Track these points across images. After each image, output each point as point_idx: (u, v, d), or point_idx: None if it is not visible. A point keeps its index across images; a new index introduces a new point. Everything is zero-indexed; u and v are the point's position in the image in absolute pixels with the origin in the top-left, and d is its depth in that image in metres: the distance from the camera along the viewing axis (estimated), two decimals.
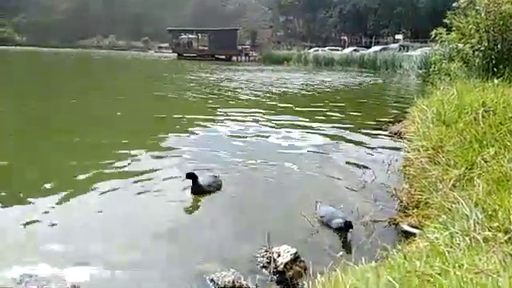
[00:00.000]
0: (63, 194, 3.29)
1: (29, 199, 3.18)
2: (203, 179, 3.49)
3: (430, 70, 10.48)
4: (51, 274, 2.06)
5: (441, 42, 8.57)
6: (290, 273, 2.29)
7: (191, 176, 3.39)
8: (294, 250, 2.38)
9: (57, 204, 3.10)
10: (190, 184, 3.42)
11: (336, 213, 2.91)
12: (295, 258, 2.34)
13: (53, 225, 2.76)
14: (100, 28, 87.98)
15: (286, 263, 2.31)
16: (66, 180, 3.67)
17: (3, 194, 3.31)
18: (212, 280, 2.15)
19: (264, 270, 2.34)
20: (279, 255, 2.37)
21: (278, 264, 2.32)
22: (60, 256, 2.37)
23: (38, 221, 2.81)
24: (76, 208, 3.09)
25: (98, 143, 5.16)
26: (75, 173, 3.81)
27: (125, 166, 4.12)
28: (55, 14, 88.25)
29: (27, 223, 2.76)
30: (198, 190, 3.38)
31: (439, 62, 9.05)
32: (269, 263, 2.37)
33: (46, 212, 2.95)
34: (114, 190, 3.45)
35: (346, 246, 2.63)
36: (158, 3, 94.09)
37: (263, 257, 2.43)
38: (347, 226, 2.68)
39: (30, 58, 34.25)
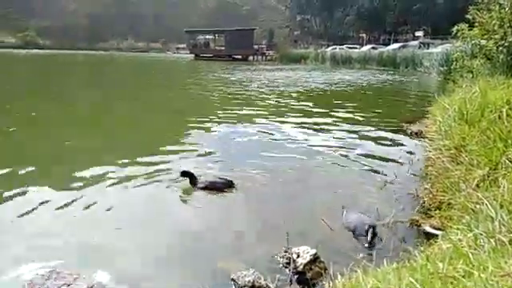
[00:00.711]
0: (88, 187, 3.39)
1: (70, 190, 3.28)
2: (206, 179, 3.65)
3: (452, 67, 10.25)
4: (77, 271, 2.13)
5: (462, 38, 8.36)
6: (310, 273, 2.29)
7: (186, 174, 3.60)
8: (313, 251, 2.38)
9: (79, 199, 3.19)
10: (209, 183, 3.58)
11: (364, 219, 2.84)
12: (315, 259, 2.35)
13: (79, 222, 2.85)
14: (120, 30, 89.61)
15: (306, 264, 2.31)
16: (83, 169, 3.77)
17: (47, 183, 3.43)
18: (232, 279, 2.18)
19: (284, 270, 2.35)
20: (299, 256, 2.38)
21: (298, 264, 2.33)
22: (85, 254, 2.45)
23: (67, 214, 2.91)
24: (99, 204, 3.17)
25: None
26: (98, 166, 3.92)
27: (151, 164, 4.19)
28: (76, 17, 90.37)
29: (57, 216, 2.86)
30: (198, 186, 3.56)
31: (461, 59, 8.83)
32: (288, 263, 2.38)
33: (74, 208, 3.05)
34: (137, 186, 3.53)
35: (367, 248, 2.61)
36: (176, 5, 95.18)
37: (283, 257, 2.44)
38: (374, 230, 2.64)
39: (71, 61, 35.19)
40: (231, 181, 3.66)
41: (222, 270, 2.31)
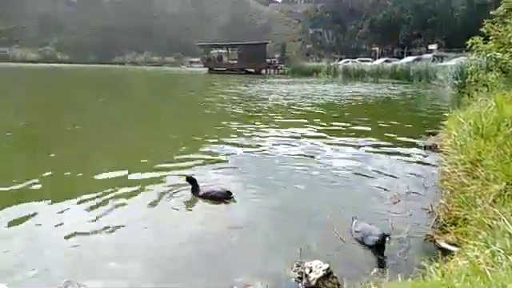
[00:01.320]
0: (106, 195, 3.45)
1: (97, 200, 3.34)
2: (207, 187, 3.75)
3: (466, 80, 10.15)
4: (94, 281, 2.15)
5: (477, 51, 8.31)
6: None
7: (190, 180, 3.70)
8: (326, 266, 2.35)
9: (93, 208, 3.24)
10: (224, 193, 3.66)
11: (373, 229, 2.83)
12: (328, 274, 2.32)
13: (98, 231, 2.89)
14: (135, 44, 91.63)
15: (319, 279, 2.29)
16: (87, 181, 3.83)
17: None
18: None
19: (296, 284, 2.33)
20: (311, 270, 2.36)
21: (311, 280, 2.31)
22: (102, 263, 2.48)
23: (88, 229, 2.95)
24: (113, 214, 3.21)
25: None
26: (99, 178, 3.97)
27: (165, 174, 4.24)
28: (93, 32, 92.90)
29: (69, 227, 2.91)
30: (197, 194, 3.66)
31: (476, 72, 8.76)
32: (301, 278, 2.36)
33: (86, 218, 3.10)
34: (157, 199, 3.57)
35: (381, 263, 2.57)
36: (191, 20, 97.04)
37: (295, 271, 2.43)
38: (383, 239, 2.61)
39: (91, 75, 36.15)
40: (229, 191, 3.71)
41: (234, 283, 2.30)
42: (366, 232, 2.80)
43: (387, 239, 2.68)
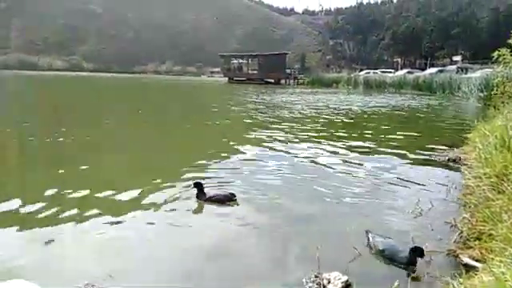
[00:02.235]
0: (119, 204, 3.51)
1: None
2: (212, 191, 3.83)
3: (492, 92, 9.89)
4: (110, 285, 2.19)
5: (504, 63, 8.10)
6: None
7: (197, 185, 3.77)
8: (345, 278, 2.31)
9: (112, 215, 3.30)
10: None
11: (394, 244, 2.74)
12: (347, 286, 2.28)
13: (114, 238, 2.95)
14: (158, 54, 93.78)
15: None
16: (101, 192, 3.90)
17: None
18: None
19: None
20: (329, 282, 2.32)
21: None
22: (116, 269, 2.52)
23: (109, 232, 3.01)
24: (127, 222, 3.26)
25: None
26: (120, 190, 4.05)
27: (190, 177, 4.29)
28: (118, 42, 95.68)
29: (99, 233, 2.97)
30: (201, 198, 3.72)
31: (502, 84, 8.53)
32: None
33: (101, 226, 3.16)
34: (162, 207, 3.61)
35: (401, 277, 2.50)
36: (213, 30, 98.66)
37: (313, 282, 2.40)
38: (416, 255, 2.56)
39: (119, 84, 37.29)
40: (232, 193, 3.79)
41: None
42: (391, 249, 2.72)
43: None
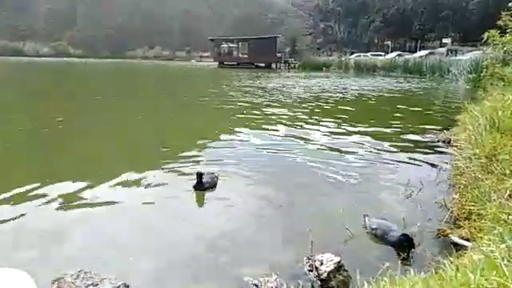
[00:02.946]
0: (115, 186, 3.48)
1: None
2: (205, 178, 3.77)
3: (481, 74, 9.95)
4: (105, 272, 2.18)
5: (494, 45, 8.12)
6: (333, 282, 2.26)
7: (199, 175, 3.69)
8: (337, 259, 2.34)
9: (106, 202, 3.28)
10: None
11: (390, 226, 2.79)
12: (339, 267, 2.30)
13: (107, 224, 2.93)
14: (146, 39, 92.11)
15: (330, 272, 2.27)
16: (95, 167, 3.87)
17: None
18: (255, 285, 2.17)
19: (306, 277, 2.33)
20: (322, 263, 2.34)
21: (321, 272, 2.29)
22: (112, 255, 2.51)
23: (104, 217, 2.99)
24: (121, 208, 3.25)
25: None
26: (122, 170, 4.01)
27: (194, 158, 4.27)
28: (104, 27, 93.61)
29: (83, 219, 2.95)
30: (200, 187, 3.66)
31: (492, 66, 8.57)
32: (311, 271, 2.35)
33: (99, 211, 3.14)
34: (162, 190, 3.59)
35: (392, 257, 2.54)
36: (202, 14, 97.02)
37: (306, 264, 2.42)
38: (409, 241, 2.58)
39: (108, 69, 36.59)
40: (214, 174, 3.90)
41: (245, 275, 2.30)
42: (384, 229, 2.76)
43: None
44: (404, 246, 2.59)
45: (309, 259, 2.43)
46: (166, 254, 2.58)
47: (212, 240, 2.77)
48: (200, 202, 3.50)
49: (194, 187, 3.66)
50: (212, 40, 53.89)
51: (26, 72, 29.68)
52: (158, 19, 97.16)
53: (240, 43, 50.06)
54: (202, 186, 3.67)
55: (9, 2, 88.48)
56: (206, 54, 70.14)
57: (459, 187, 3.51)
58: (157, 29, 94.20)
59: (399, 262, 2.41)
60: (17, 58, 58.17)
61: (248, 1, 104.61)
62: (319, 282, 2.26)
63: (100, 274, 2.15)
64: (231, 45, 50.99)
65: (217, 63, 50.54)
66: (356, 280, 2.17)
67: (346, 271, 2.32)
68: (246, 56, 48.15)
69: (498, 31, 8.05)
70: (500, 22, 8.00)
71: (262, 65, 45.32)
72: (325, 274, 2.27)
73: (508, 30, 7.42)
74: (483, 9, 43.82)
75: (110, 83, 20.97)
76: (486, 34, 8.15)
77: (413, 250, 2.57)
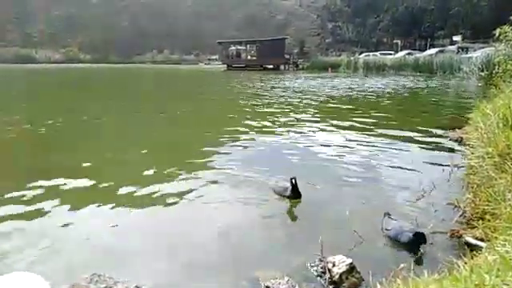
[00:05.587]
0: (132, 190, 3.52)
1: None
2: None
3: (494, 71, 9.77)
4: (118, 275, 2.20)
5: (506, 41, 7.99)
6: (346, 284, 2.25)
7: (292, 181, 3.45)
8: (349, 261, 2.33)
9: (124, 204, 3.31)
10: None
11: (403, 226, 2.75)
12: (351, 269, 2.30)
13: (121, 226, 2.96)
14: (155, 43, 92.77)
15: (342, 273, 2.27)
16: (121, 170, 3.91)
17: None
18: (267, 287, 2.17)
19: (318, 279, 2.32)
20: (334, 265, 2.34)
21: (334, 274, 2.29)
22: (125, 258, 2.54)
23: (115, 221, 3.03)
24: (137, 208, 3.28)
25: None
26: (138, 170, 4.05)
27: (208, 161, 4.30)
28: (114, 31, 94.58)
29: (97, 223, 2.99)
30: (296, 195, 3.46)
31: (504, 62, 8.42)
32: (323, 273, 2.34)
33: (111, 215, 3.18)
34: (177, 192, 3.62)
35: (405, 259, 2.52)
36: (210, 17, 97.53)
37: (318, 266, 2.41)
38: (419, 238, 2.55)
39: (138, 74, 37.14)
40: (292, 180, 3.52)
41: (257, 278, 2.30)
42: (398, 229, 2.73)
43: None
44: (416, 243, 2.56)
45: (320, 261, 2.43)
46: (179, 256, 2.60)
47: (224, 242, 2.78)
48: (208, 203, 3.51)
49: (289, 196, 3.47)
50: (220, 43, 54.10)
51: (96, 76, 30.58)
52: (166, 22, 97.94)
53: (248, 45, 50.12)
54: (299, 194, 3.46)
55: (20, 9, 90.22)
56: (213, 57, 70.36)
57: (472, 187, 3.45)
58: (166, 33, 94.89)
59: (412, 263, 2.39)
60: (37, 65, 58.89)
61: (256, 2, 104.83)
62: (331, 285, 2.25)
63: (113, 276, 2.18)
64: (239, 47, 51.08)
65: (225, 66, 50.68)
66: (369, 282, 2.15)
67: (359, 273, 2.31)
68: (254, 58, 48.20)
69: (511, 27, 7.92)
70: None
71: (271, 67, 45.28)
72: (337, 276, 2.26)
73: None
74: (494, 5, 43.07)
75: (153, 86, 22.07)
76: (498, 30, 8.03)
77: (424, 245, 2.53)
